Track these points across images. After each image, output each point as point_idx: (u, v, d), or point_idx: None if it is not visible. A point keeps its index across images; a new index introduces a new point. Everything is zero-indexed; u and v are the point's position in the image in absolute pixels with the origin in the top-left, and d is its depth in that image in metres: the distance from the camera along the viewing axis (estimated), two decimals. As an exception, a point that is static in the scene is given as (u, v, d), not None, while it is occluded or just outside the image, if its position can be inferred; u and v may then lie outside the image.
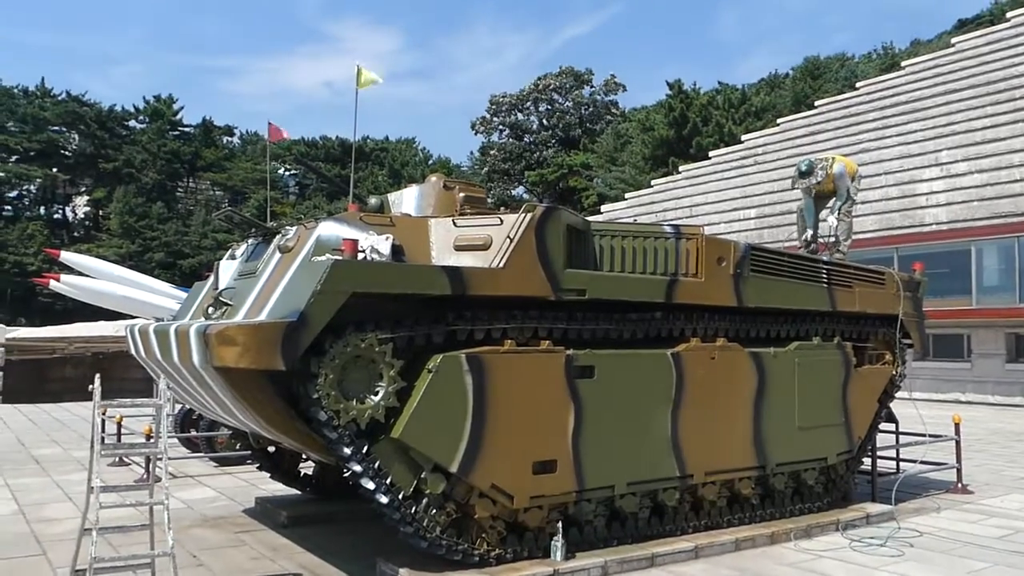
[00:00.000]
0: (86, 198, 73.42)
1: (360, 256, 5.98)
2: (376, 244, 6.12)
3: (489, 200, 8.12)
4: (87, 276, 18.18)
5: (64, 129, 70.59)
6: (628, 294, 7.03)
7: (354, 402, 5.87)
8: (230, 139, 79.91)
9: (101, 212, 71.28)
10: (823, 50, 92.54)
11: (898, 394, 9.85)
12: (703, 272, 7.47)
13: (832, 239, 9.99)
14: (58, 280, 18.08)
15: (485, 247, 6.41)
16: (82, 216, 74.30)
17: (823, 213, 10.35)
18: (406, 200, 7.67)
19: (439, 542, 6.17)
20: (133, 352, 7.97)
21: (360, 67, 10.66)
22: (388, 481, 5.99)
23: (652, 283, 7.17)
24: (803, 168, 10.08)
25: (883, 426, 9.90)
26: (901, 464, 10.64)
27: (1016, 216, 24.59)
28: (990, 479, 11.32)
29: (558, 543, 6.53)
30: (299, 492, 9.21)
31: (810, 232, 10.18)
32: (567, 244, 6.66)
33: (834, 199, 10.18)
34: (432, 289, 6.04)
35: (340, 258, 5.82)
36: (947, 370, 25.02)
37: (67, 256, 20.16)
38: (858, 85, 43.06)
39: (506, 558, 6.45)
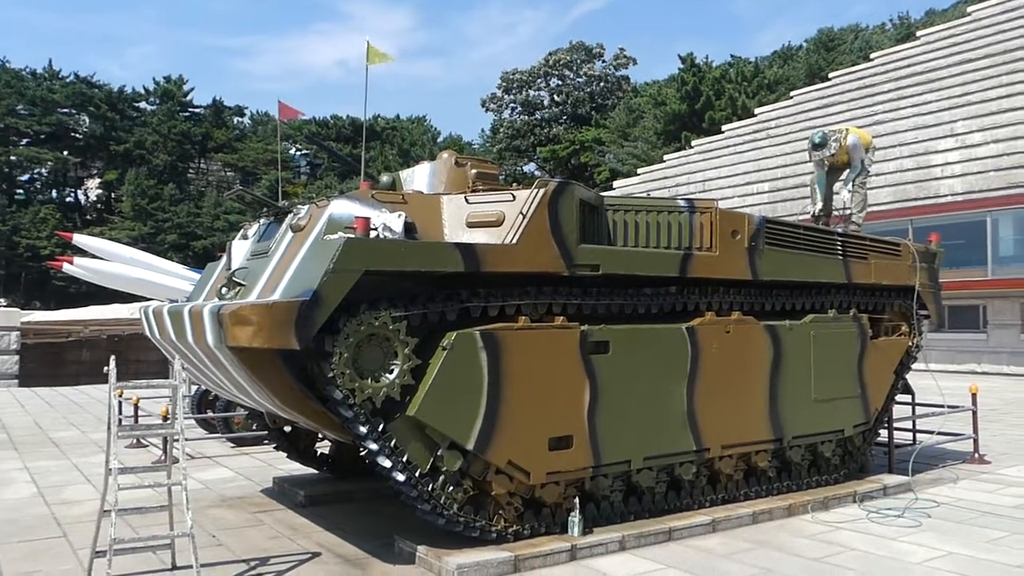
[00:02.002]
0: (97, 180, 73.50)
1: (372, 234, 5.94)
2: (388, 222, 6.08)
3: (500, 177, 8.06)
4: (101, 259, 18.27)
5: (74, 111, 70.45)
6: (642, 269, 6.98)
7: (369, 380, 5.85)
8: (241, 119, 79.79)
9: (113, 194, 71.43)
10: (838, 22, 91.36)
11: (914, 365, 9.80)
12: (717, 246, 7.42)
13: (847, 211, 9.91)
14: (72, 263, 18.20)
15: (498, 223, 6.36)
16: (94, 199, 74.48)
17: (837, 185, 10.27)
18: (418, 177, 7.61)
19: (457, 519, 6.18)
20: (148, 334, 8.00)
21: (370, 43, 10.61)
22: (404, 459, 5.99)
23: (666, 257, 7.13)
24: (816, 140, 9.96)
25: (899, 397, 9.87)
26: (918, 435, 10.61)
27: (1032, 186, 24.43)
28: (1007, 449, 11.29)
29: (575, 518, 6.54)
30: (316, 471, 9.24)
31: (819, 205, 10.11)
32: (580, 219, 6.61)
33: (848, 171, 10.09)
34: (445, 266, 6.00)
35: (353, 236, 5.78)
36: (963, 341, 24.94)
37: (80, 239, 20.27)
38: (872, 56, 42.72)
39: (524, 534, 6.46)
